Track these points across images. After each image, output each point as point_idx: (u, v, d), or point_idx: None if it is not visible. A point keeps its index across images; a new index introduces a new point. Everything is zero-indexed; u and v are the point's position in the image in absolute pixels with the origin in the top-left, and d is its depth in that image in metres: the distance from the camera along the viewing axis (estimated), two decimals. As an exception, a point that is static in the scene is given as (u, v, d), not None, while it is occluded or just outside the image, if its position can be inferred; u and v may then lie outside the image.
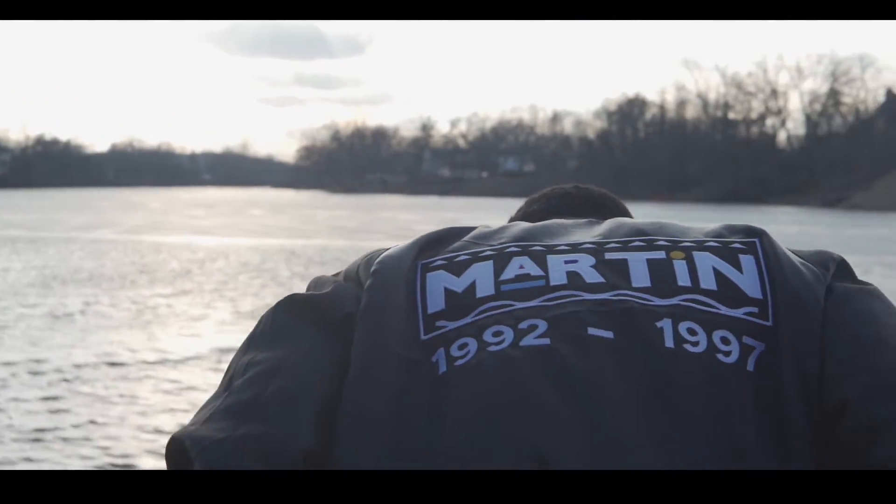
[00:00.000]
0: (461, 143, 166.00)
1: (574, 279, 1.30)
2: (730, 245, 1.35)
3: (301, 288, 1.44)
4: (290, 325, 1.32)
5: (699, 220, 1.43)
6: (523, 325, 1.25)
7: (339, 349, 1.27)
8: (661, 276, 1.30)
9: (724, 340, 1.23)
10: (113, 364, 11.44)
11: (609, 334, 1.23)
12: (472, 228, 1.45)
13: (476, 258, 1.35)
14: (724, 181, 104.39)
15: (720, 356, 1.22)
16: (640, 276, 1.31)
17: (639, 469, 1.10)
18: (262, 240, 34.97)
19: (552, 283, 1.30)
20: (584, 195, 1.80)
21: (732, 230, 1.39)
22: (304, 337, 1.30)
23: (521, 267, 1.33)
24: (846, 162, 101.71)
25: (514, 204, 1.93)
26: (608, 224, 1.44)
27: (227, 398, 1.24)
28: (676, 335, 1.23)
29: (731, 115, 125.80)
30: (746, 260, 1.32)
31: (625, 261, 1.33)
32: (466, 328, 1.27)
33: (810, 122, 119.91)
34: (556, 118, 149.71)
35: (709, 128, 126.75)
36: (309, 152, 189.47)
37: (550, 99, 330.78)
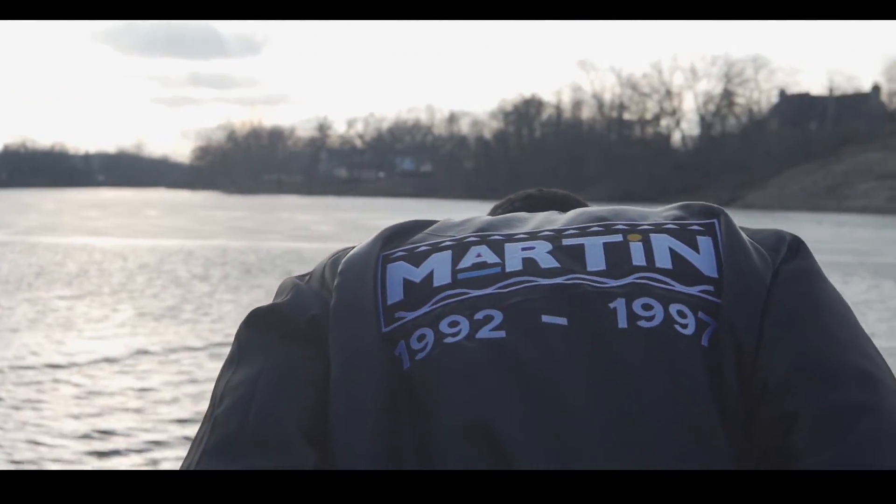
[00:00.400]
0: (358, 143, 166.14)
1: (529, 265, 1.30)
2: (688, 227, 1.36)
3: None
4: (256, 342, 1.30)
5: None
6: (479, 315, 1.25)
7: (311, 352, 1.25)
8: (616, 258, 1.30)
9: (681, 314, 1.23)
10: (15, 368, 11.40)
11: (563, 321, 1.23)
12: (436, 221, 1.48)
13: (436, 248, 1.36)
14: (619, 181, 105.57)
15: (678, 327, 1.21)
16: (595, 259, 1.30)
17: (595, 458, 1.11)
18: (159, 241, 34.82)
19: (507, 269, 1.30)
20: (546, 196, 1.85)
21: (691, 212, 1.41)
22: (273, 350, 1.28)
23: (479, 255, 1.33)
24: (740, 162, 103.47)
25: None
26: (570, 214, 1.46)
27: (213, 434, 1.21)
28: (630, 314, 1.23)
29: (627, 116, 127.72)
30: (704, 241, 1.33)
31: (581, 245, 1.33)
32: (423, 318, 1.26)
33: (704, 122, 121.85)
34: (452, 118, 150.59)
35: (604, 128, 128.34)
36: (204, 153, 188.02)
37: (447, 99, 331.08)
